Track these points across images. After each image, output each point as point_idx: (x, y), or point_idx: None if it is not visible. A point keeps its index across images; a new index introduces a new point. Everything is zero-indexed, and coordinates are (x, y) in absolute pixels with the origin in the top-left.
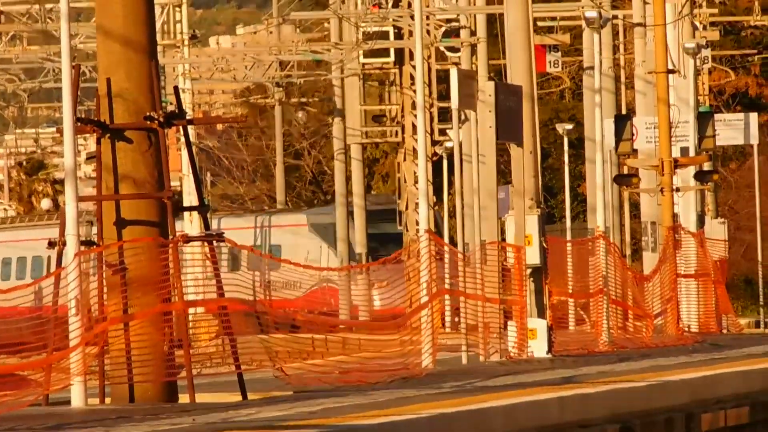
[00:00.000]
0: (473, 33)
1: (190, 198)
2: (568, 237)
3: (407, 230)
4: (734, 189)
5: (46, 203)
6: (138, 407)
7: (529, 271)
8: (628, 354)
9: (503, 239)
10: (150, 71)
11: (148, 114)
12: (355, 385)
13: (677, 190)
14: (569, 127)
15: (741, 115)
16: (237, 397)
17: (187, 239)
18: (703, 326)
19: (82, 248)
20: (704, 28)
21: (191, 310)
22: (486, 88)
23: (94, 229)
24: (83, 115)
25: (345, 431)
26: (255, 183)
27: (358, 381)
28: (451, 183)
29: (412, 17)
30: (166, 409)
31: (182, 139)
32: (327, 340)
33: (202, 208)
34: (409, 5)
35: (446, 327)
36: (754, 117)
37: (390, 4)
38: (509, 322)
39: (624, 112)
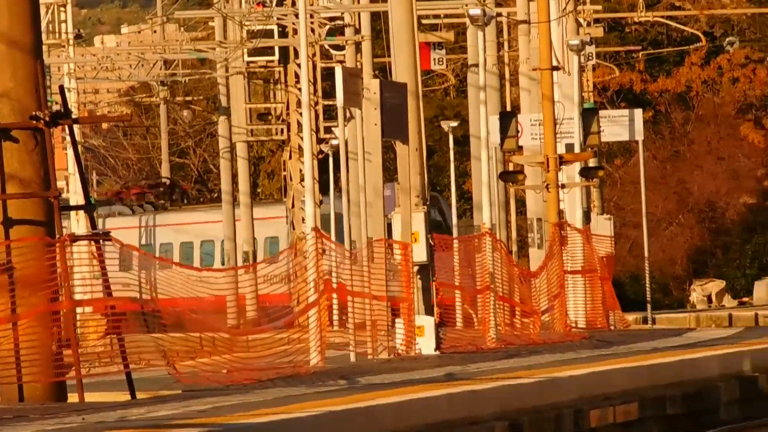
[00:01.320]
0: (358, 31)
1: (76, 197)
2: (455, 234)
3: (293, 228)
4: (619, 185)
5: None
6: (28, 407)
7: (416, 268)
8: (516, 351)
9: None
10: (35, 71)
11: (33, 113)
12: (243, 384)
13: (563, 186)
14: (454, 124)
15: (626, 112)
16: (126, 397)
17: (74, 238)
18: (591, 322)
19: None
20: (588, 24)
21: (79, 310)
22: (371, 86)
23: None
24: None
25: (234, 430)
26: (140, 182)
27: (246, 380)
28: (337, 181)
29: (296, 15)
30: (56, 408)
31: (68, 138)
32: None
33: (88, 207)
34: (294, 4)
35: (334, 325)
36: (638, 113)
37: (274, 3)
38: (397, 320)
39: (509, 109)
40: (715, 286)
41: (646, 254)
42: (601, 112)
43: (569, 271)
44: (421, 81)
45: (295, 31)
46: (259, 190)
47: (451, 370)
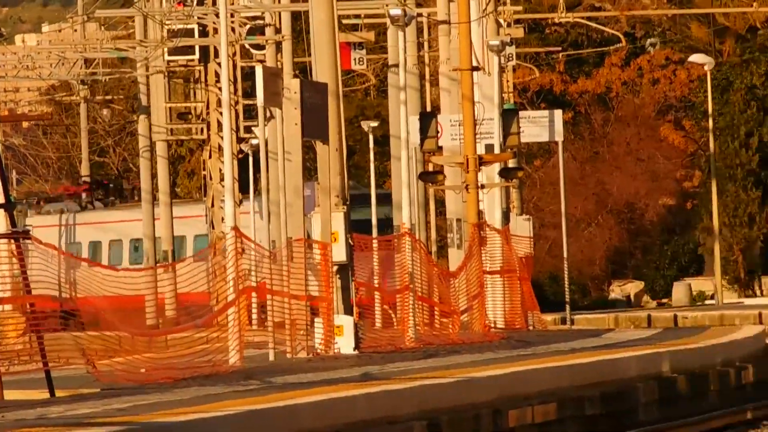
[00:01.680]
0: (278, 30)
1: None
2: (374, 234)
3: (213, 228)
4: (539, 186)
5: None
6: None
7: (335, 268)
8: (435, 351)
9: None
10: None
11: None
12: (162, 383)
13: (482, 187)
14: (374, 124)
15: (545, 113)
16: (45, 395)
17: None
18: (509, 323)
19: None
20: (509, 25)
21: None
22: (291, 85)
23: None
24: None
25: (153, 429)
26: (60, 180)
27: (165, 379)
28: (257, 180)
29: (216, 15)
30: None
31: None
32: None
33: (9, 206)
34: (214, 3)
35: (253, 324)
36: (558, 114)
37: (195, 2)
38: (316, 319)
39: (429, 109)
40: (634, 287)
41: (565, 255)
42: (521, 113)
43: (488, 272)
44: (341, 81)
45: (216, 31)
46: (177, 189)
47: (369, 369)
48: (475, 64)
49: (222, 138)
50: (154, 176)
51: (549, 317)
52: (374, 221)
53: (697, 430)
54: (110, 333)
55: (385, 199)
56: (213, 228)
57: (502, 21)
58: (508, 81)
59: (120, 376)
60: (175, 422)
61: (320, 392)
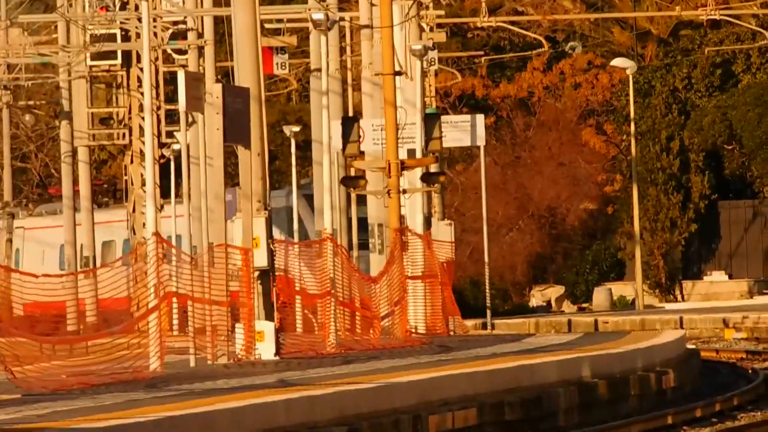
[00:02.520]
0: (201, 35)
1: None
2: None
3: (134, 233)
4: (461, 191)
5: None
6: None
7: (256, 273)
8: (356, 356)
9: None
10: None
11: None
12: (83, 389)
13: (404, 192)
14: (296, 129)
15: (467, 117)
16: None
17: None
18: (430, 328)
19: None
20: (431, 29)
21: None
22: (213, 90)
23: None
24: None
25: None
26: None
27: (85, 384)
28: (178, 185)
29: (139, 20)
30: None
31: None
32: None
33: None
34: (137, 8)
35: (174, 330)
36: (480, 119)
37: (117, 7)
38: (237, 325)
39: (351, 114)
40: (555, 291)
41: (486, 260)
42: (443, 118)
43: (410, 277)
44: (263, 85)
45: (138, 35)
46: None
47: (290, 375)
48: (397, 68)
49: (144, 143)
50: (75, 182)
51: (470, 322)
52: (295, 225)
53: None
54: (24, 339)
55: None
56: (134, 233)
57: (424, 25)
58: (430, 85)
59: (40, 382)
60: (95, 428)
61: (239, 398)
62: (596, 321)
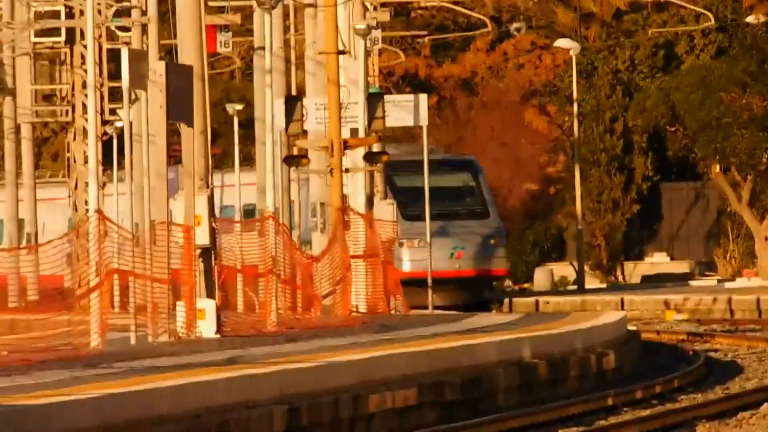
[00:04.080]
0: (144, 13)
1: None
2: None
3: (77, 210)
4: None
5: None
6: None
7: (198, 251)
8: (297, 335)
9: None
10: None
11: None
12: (22, 366)
13: (346, 171)
14: (239, 107)
15: (411, 97)
16: None
17: None
18: (372, 307)
19: None
20: (375, 9)
21: None
22: (157, 67)
23: None
24: None
25: (12, 412)
26: None
27: (25, 361)
28: (121, 163)
29: None
30: None
31: None
32: None
33: None
34: None
35: (115, 307)
36: (423, 98)
37: None
38: (178, 303)
39: (294, 92)
40: None
41: (428, 239)
42: (386, 97)
43: (352, 256)
44: (207, 64)
45: (82, 12)
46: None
47: (230, 353)
48: (341, 47)
49: (87, 120)
50: (18, 158)
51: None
52: (238, 204)
53: (557, 415)
54: None
55: None
56: (76, 210)
57: (368, 5)
58: (373, 65)
59: None
60: (35, 405)
61: (179, 376)
62: (537, 301)
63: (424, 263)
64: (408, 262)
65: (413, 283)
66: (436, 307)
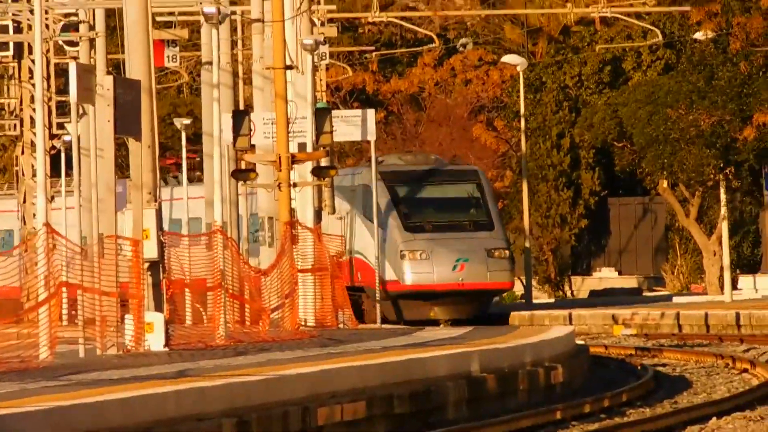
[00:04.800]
0: (92, 27)
1: None
2: (185, 231)
3: (24, 223)
4: None
5: None
6: None
7: (146, 264)
8: (245, 348)
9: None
10: None
11: None
12: None
13: (294, 185)
14: (187, 121)
15: (358, 112)
16: None
17: None
18: (320, 321)
19: None
20: (322, 24)
21: None
22: (105, 82)
23: None
24: None
25: None
26: None
27: None
28: (69, 176)
29: (31, 11)
30: None
31: None
32: None
33: None
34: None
35: (64, 320)
36: (371, 113)
37: None
38: (126, 316)
39: (242, 107)
40: None
41: (377, 254)
42: (334, 112)
43: (300, 270)
44: (154, 78)
45: (30, 27)
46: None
47: (179, 366)
48: (288, 62)
49: (35, 134)
50: None
51: None
52: (185, 218)
53: (505, 429)
54: None
55: None
56: (24, 223)
57: (315, 20)
58: (321, 80)
59: None
60: None
61: (129, 389)
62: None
63: (426, 276)
64: (409, 274)
65: (415, 297)
66: (438, 322)
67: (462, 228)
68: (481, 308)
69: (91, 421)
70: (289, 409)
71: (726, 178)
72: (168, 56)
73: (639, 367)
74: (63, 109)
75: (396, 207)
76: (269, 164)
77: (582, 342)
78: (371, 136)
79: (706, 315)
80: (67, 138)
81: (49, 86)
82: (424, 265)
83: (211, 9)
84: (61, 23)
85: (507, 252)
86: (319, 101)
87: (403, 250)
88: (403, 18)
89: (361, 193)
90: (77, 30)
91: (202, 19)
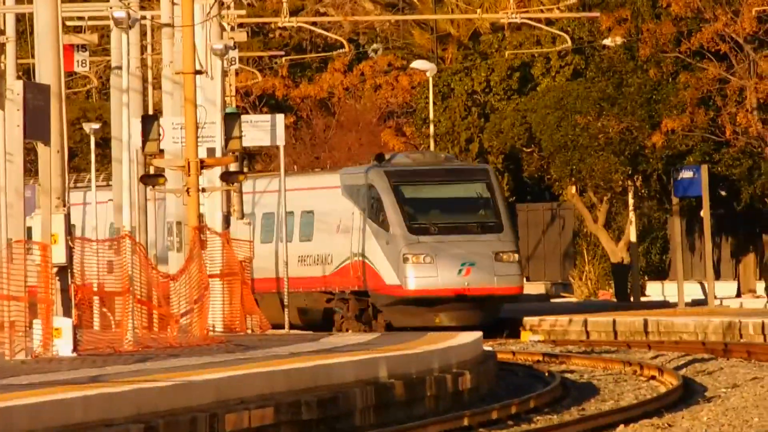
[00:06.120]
0: (2, 32)
1: None
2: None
3: None
4: None
5: None
6: None
7: (55, 269)
8: (154, 354)
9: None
10: None
11: None
12: None
13: (203, 190)
14: (96, 126)
15: (267, 117)
16: None
17: None
18: (229, 326)
19: None
20: (232, 29)
21: None
22: (14, 87)
23: None
24: None
25: None
26: None
27: None
28: None
29: None
30: None
31: None
32: None
33: None
34: None
35: None
36: (280, 118)
37: None
38: (35, 321)
39: (151, 112)
40: None
41: (286, 259)
42: (243, 117)
43: (208, 275)
44: (64, 82)
45: None
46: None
47: (87, 372)
48: (198, 67)
49: None
50: None
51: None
52: (95, 222)
53: None
54: None
55: None
56: None
57: (225, 25)
58: (230, 85)
59: None
60: None
61: (37, 394)
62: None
63: (429, 281)
64: (412, 279)
65: (418, 303)
66: (443, 328)
67: (469, 230)
68: (489, 315)
69: None
70: (197, 416)
71: (634, 185)
72: (78, 61)
73: (547, 374)
74: None
75: (400, 208)
76: (178, 169)
77: (490, 348)
78: (280, 141)
79: (614, 322)
80: None
81: None
82: (427, 269)
83: (121, 13)
84: None
85: (516, 255)
86: (229, 106)
87: (406, 254)
88: (313, 23)
89: (366, 193)
90: None
91: (112, 23)
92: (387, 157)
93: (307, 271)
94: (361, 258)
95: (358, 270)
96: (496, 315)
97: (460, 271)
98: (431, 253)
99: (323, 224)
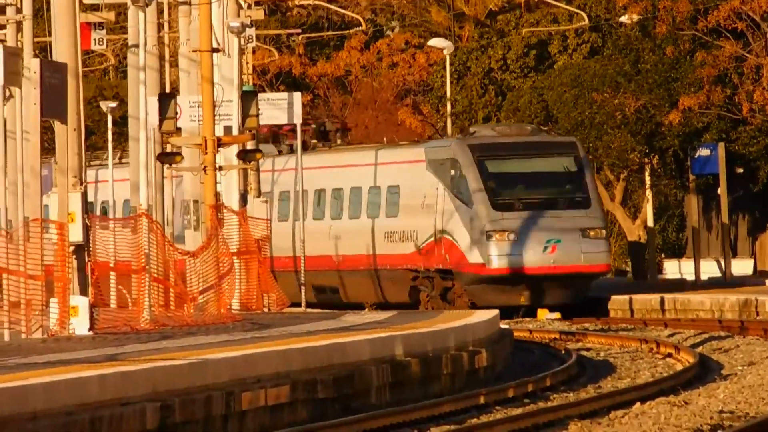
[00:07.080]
0: (19, 10)
1: None
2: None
3: None
4: None
5: None
6: None
7: (72, 248)
8: (170, 332)
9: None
10: None
11: None
12: None
13: (220, 168)
14: (113, 104)
15: (284, 95)
16: None
17: None
18: (245, 305)
19: None
20: (249, 6)
21: None
22: (31, 65)
23: None
24: None
25: None
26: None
27: None
28: None
29: None
30: None
31: None
32: None
33: None
34: None
35: None
36: (297, 96)
37: None
38: (51, 300)
39: (168, 90)
40: None
41: (302, 237)
42: (260, 95)
43: (226, 254)
44: (81, 61)
45: None
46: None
47: (104, 350)
48: (215, 45)
49: None
50: None
51: None
52: (111, 201)
53: (429, 413)
54: None
55: None
56: None
57: (242, 2)
58: (247, 63)
59: None
60: None
61: (53, 373)
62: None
63: (514, 259)
64: (496, 257)
65: (502, 281)
66: (527, 307)
67: (555, 205)
68: (576, 293)
69: (13, 405)
70: (213, 394)
71: (651, 162)
72: (95, 39)
73: (563, 352)
74: None
75: (484, 183)
76: (195, 147)
77: (506, 326)
78: (297, 120)
79: (631, 299)
80: None
81: None
82: (512, 247)
83: None
84: None
85: (604, 232)
86: (246, 84)
87: (489, 231)
88: (330, 1)
89: (449, 168)
90: (4, 13)
91: (129, 1)
92: (472, 130)
93: (394, 248)
94: (445, 235)
95: (442, 247)
96: (583, 294)
97: (545, 248)
98: (515, 230)
99: (409, 200)
